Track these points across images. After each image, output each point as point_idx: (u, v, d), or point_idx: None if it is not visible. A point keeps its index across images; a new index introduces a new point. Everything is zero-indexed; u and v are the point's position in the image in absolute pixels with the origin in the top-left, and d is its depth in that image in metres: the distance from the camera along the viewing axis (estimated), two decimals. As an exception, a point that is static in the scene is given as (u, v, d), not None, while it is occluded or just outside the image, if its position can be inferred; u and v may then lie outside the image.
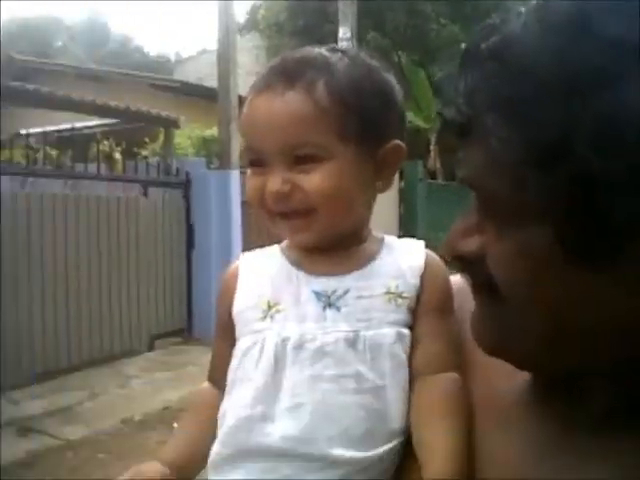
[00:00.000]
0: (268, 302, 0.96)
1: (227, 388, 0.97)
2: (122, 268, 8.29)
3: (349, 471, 0.88)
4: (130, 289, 8.42)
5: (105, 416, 6.29)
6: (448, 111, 0.70)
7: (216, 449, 0.94)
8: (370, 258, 0.99)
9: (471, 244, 0.71)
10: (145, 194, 8.73)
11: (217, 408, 0.97)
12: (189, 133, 12.32)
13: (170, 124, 10.07)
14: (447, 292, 0.97)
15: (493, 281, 0.68)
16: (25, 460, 5.26)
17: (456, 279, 0.96)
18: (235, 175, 9.44)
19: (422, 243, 1.03)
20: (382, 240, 1.02)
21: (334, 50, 1.00)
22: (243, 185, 9.69)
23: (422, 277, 0.97)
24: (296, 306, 0.95)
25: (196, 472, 1.01)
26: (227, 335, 1.01)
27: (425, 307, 0.95)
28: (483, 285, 0.71)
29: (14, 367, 6.84)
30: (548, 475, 0.72)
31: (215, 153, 9.99)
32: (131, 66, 24.72)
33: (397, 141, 0.99)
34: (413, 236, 1.11)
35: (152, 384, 7.34)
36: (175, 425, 6.06)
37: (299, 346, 0.91)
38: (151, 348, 8.67)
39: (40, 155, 8.11)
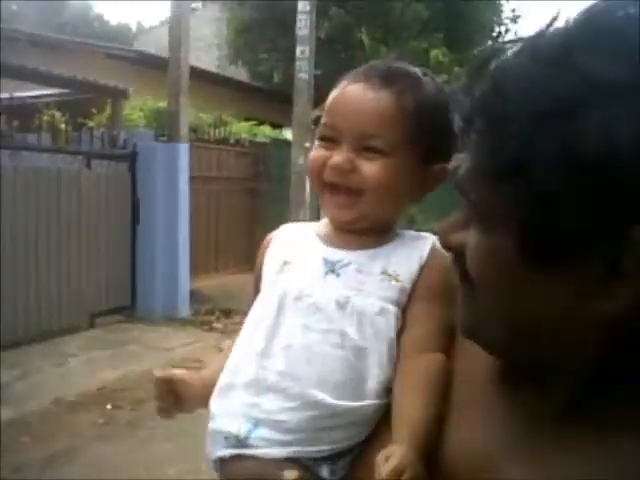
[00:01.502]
0: (284, 260, 1.14)
1: (245, 327, 1.13)
2: (63, 243, 8.03)
3: (320, 414, 1.01)
4: (71, 265, 8.16)
5: (36, 396, 6.07)
6: (455, 120, 0.78)
7: (224, 377, 1.10)
8: (380, 243, 1.12)
9: (458, 238, 0.79)
10: (88, 166, 8.44)
11: None
12: (141, 105, 11.97)
13: (118, 94, 9.75)
14: (443, 281, 1.05)
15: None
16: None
17: None
18: (184, 148, 9.19)
19: (432, 237, 1.13)
20: (400, 232, 1.16)
21: (425, 74, 1.15)
22: (192, 159, 9.46)
23: (422, 266, 1.09)
24: (305, 266, 1.11)
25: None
26: (258, 288, 1.18)
27: (418, 293, 1.07)
28: (464, 276, 0.79)
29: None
30: (510, 459, 0.79)
31: (162, 124, 9.71)
32: (90, 35, 24.14)
33: (446, 165, 1.11)
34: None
35: (90, 363, 7.14)
36: (109, 406, 5.90)
37: (298, 298, 1.07)
38: (92, 325, 8.45)
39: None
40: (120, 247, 8.90)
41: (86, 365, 7.06)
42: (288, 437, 1.02)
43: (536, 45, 0.69)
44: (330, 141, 1.10)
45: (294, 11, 12.24)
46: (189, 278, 9.33)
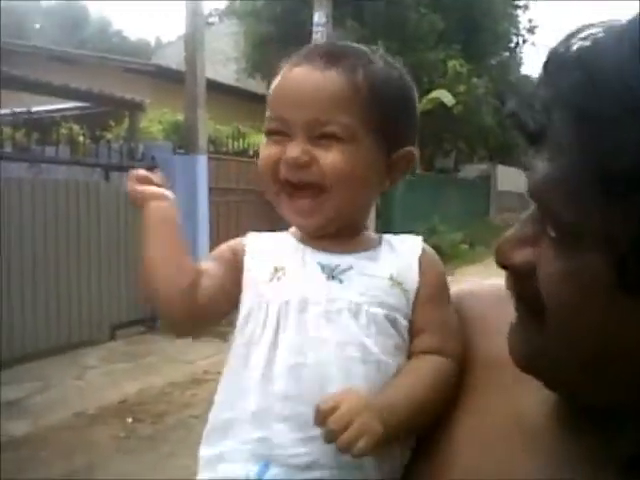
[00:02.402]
0: (275, 266, 0.98)
1: (236, 353, 0.98)
2: (82, 255, 8.00)
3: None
4: (91, 277, 8.13)
5: (56, 410, 6.03)
6: (523, 114, 0.67)
7: (220, 413, 0.96)
8: (372, 246, 1.02)
9: (524, 255, 0.68)
10: (107, 178, 8.43)
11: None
12: (159, 117, 12.00)
13: (135, 107, 9.75)
14: (442, 284, 1.01)
15: (539, 297, 0.66)
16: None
17: (498, 286, 0.86)
18: (202, 160, 9.17)
19: (419, 238, 1.05)
20: (380, 235, 1.05)
21: (374, 50, 1.04)
22: (210, 171, 9.44)
23: (419, 271, 0.99)
24: (301, 272, 0.97)
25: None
26: (224, 263, 1.02)
27: (421, 299, 0.98)
28: (528, 299, 0.68)
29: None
30: None
31: (181, 137, 9.71)
32: (110, 50, 24.36)
33: (412, 148, 1.03)
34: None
35: (110, 375, 7.10)
36: (129, 420, 5.84)
37: (303, 308, 0.93)
38: (112, 337, 8.41)
39: (3, 137, 7.83)
40: (140, 259, 8.83)
41: (107, 378, 7.02)
42: (308, 475, 0.88)
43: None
44: (280, 135, 0.97)
45: (310, 24, 12.27)
46: (208, 289, 9.27)
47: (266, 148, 0.99)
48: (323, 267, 0.97)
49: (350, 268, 0.97)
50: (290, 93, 0.97)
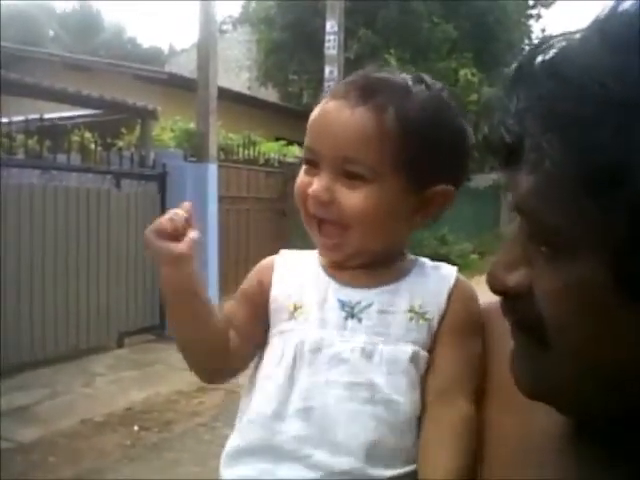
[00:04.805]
0: (294, 304, 0.99)
1: (252, 384, 1.00)
2: (91, 262, 8.01)
3: None
4: (100, 284, 8.14)
5: (64, 416, 6.02)
6: (495, 133, 0.66)
7: (233, 441, 0.98)
8: (399, 276, 1.00)
9: (518, 277, 0.65)
10: (118, 186, 8.44)
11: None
12: (172, 125, 12.03)
13: (147, 115, 9.77)
14: (471, 316, 0.97)
15: (540, 319, 0.63)
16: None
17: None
18: (213, 168, 9.19)
19: (454, 268, 1.03)
20: (415, 261, 1.04)
21: (420, 80, 1.00)
22: (221, 179, 9.45)
23: (448, 300, 0.98)
24: (320, 311, 0.97)
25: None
26: (249, 304, 1.05)
27: (445, 329, 0.96)
28: (528, 323, 0.65)
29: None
30: None
31: (193, 145, 9.73)
32: (123, 57, 24.47)
33: (449, 187, 0.99)
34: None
35: (118, 383, 7.10)
36: (136, 428, 5.84)
37: (316, 349, 0.94)
38: (121, 345, 8.41)
39: (15, 144, 7.87)
40: (149, 266, 8.83)
41: (114, 385, 7.02)
42: None
43: (605, 28, 0.57)
44: (312, 165, 0.99)
45: (323, 32, 12.28)
46: (218, 298, 9.25)
47: (300, 175, 1.01)
48: (343, 305, 0.97)
49: (370, 305, 0.96)
50: (321, 127, 0.98)
